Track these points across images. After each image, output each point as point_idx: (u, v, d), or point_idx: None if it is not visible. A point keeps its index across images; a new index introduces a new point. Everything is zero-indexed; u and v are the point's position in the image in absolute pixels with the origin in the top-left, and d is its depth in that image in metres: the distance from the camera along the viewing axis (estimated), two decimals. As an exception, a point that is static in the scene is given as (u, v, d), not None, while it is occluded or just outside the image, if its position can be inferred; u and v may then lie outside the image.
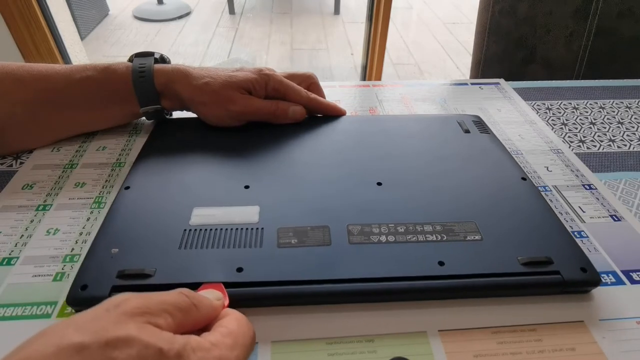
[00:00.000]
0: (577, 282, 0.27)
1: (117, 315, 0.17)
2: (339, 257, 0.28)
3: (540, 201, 0.33)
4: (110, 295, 0.25)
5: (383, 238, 0.29)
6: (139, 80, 0.39)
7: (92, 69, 0.39)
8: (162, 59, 0.42)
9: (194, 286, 0.26)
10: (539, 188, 0.38)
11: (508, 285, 0.27)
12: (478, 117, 0.45)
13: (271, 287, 0.26)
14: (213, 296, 0.23)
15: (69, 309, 0.27)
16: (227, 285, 0.26)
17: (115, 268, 0.27)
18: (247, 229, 0.30)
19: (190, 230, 0.30)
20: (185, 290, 0.21)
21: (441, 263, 0.28)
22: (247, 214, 0.31)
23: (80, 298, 0.25)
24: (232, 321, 0.21)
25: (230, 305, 0.21)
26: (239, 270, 0.27)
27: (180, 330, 0.19)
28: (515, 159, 0.39)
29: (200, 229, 0.30)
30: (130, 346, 0.16)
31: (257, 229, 0.30)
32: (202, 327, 0.21)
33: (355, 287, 0.27)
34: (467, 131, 0.42)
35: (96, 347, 0.16)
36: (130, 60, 0.41)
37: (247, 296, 0.26)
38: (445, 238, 0.30)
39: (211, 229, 0.30)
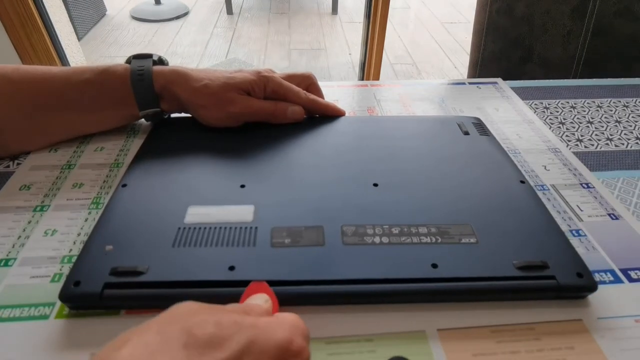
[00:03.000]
0: (573, 287, 0.27)
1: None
2: (332, 257, 0.28)
3: (538, 205, 0.33)
4: (102, 292, 0.26)
5: (377, 239, 0.29)
6: (138, 82, 0.39)
7: (89, 72, 0.39)
8: (161, 61, 0.42)
9: (187, 284, 0.26)
10: (537, 187, 0.38)
11: (502, 289, 0.27)
12: (478, 119, 0.45)
13: None
14: (260, 300, 0.24)
15: (67, 310, 0.27)
16: (219, 283, 0.26)
17: (108, 265, 0.27)
18: (241, 228, 0.30)
19: (184, 228, 0.30)
20: (232, 305, 0.22)
21: (434, 265, 0.28)
22: (241, 213, 0.31)
23: (73, 294, 0.26)
24: (293, 317, 0.21)
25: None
26: (231, 268, 0.27)
27: None
28: (513, 158, 0.39)
29: (195, 228, 0.30)
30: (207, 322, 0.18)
31: (251, 228, 0.30)
32: None
33: (347, 289, 0.27)
34: (466, 133, 0.42)
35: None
36: (128, 62, 0.41)
37: (238, 295, 0.26)
38: (440, 240, 0.29)
39: (205, 228, 0.30)
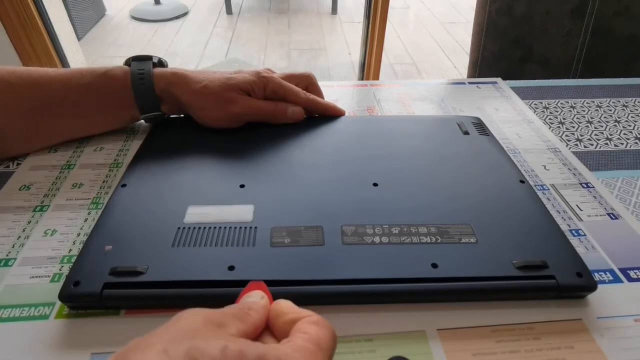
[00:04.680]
0: (572, 287, 0.27)
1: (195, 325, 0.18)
2: (332, 257, 0.28)
3: (538, 204, 0.33)
4: (101, 292, 0.26)
5: (377, 239, 0.29)
6: (139, 86, 0.39)
7: (89, 75, 0.39)
8: (160, 63, 0.42)
9: (186, 284, 0.26)
10: (537, 187, 0.38)
11: (502, 289, 0.27)
12: (478, 118, 0.45)
13: None
14: (256, 297, 0.23)
15: (67, 310, 0.27)
16: (219, 283, 0.26)
17: (108, 265, 0.27)
18: (240, 227, 0.30)
19: (184, 228, 0.30)
20: (230, 307, 0.21)
21: (434, 265, 0.28)
22: (241, 213, 0.31)
23: (73, 294, 0.26)
24: (311, 325, 0.20)
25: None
26: (231, 268, 0.27)
27: (248, 338, 0.19)
28: (513, 158, 0.39)
29: (194, 227, 0.30)
30: (212, 348, 0.16)
31: (251, 228, 0.30)
32: (276, 335, 0.20)
33: (347, 289, 0.27)
34: (466, 132, 0.42)
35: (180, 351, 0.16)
36: (127, 64, 0.41)
37: (238, 295, 0.26)
38: (439, 240, 0.29)
39: (205, 228, 0.30)
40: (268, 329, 0.21)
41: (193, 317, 0.18)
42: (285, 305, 0.21)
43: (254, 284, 0.25)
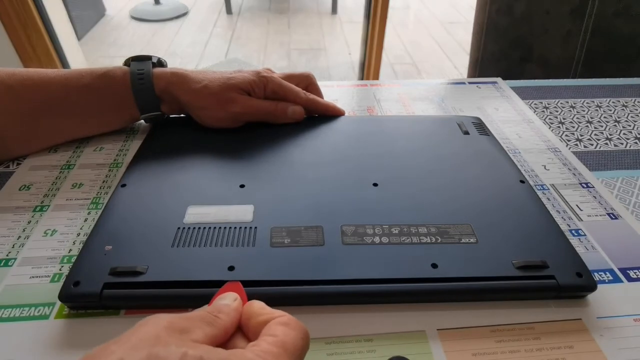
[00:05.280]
0: (572, 287, 0.27)
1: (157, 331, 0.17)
2: (332, 257, 0.28)
3: (538, 204, 0.33)
4: (101, 292, 0.26)
5: (377, 239, 0.29)
6: (139, 86, 0.39)
7: (88, 76, 0.39)
8: (160, 63, 0.42)
9: (186, 285, 0.26)
10: (537, 187, 0.38)
11: (502, 289, 0.27)
12: (478, 118, 0.45)
13: (262, 287, 0.26)
14: (228, 299, 0.22)
15: (67, 310, 0.27)
16: (218, 283, 0.26)
17: (108, 265, 0.27)
18: (240, 228, 0.30)
19: (184, 228, 0.30)
20: (199, 310, 0.20)
21: (434, 265, 0.28)
22: (241, 213, 0.31)
23: (73, 294, 0.26)
24: (279, 327, 0.19)
25: None
26: (231, 268, 0.27)
27: (214, 343, 0.19)
28: (513, 158, 0.39)
29: (194, 227, 0.30)
30: (172, 354, 0.16)
31: (251, 228, 0.30)
32: (249, 337, 0.20)
33: (347, 289, 0.27)
34: (466, 132, 0.42)
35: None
36: (127, 64, 0.40)
37: None
38: (439, 240, 0.29)
39: (205, 228, 0.30)
40: (241, 331, 0.20)
41: (156, 323, 0.18)
42: (257, 307, 0.21)
43: (230, 285, 0.25)
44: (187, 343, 0.17)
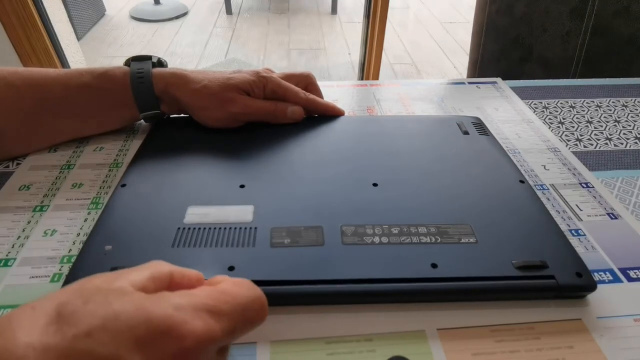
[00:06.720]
0: (572, 287, 0.27)
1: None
2: (332, 257, 0.28)
3: (538, 204, 0.33)
4: None
5: (377, 239, 0.29)
6: (138, 86, 0.39)
7: (88, 75, 0.39)
8: (160, 63, 0.42)
9: None
10: (537, 187, 0.38)
11: (501, 289, 0.27)
12: (478, 118, 0.45)
13: (262, 287, 0.26)
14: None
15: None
16: None
17: (108, 265, 0.27)
18: (240, 228, 0.30)
19: (184, 228, 0.30)
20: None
21: (434, 265, 0.28)
22: (241, 213, 0.31)
23: None
24: (227, 281, 0.19)
25: None
26: (231, 269, 0.27)
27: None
28: (513, 158, 0.39)
29: (194, 228, 0.30)
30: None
31: (251, 228, 0.30)
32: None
33: (347, 289, 0.27)
34: (466, 132, 0.42)
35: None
36: (127, 64, 0.41)
37: None
38: (439, 240, 0.29)
39: (205, 228, 0.30)
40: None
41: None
42: (220, 277, 0.21)
43: None
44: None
